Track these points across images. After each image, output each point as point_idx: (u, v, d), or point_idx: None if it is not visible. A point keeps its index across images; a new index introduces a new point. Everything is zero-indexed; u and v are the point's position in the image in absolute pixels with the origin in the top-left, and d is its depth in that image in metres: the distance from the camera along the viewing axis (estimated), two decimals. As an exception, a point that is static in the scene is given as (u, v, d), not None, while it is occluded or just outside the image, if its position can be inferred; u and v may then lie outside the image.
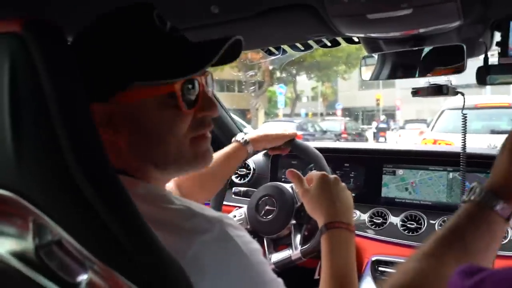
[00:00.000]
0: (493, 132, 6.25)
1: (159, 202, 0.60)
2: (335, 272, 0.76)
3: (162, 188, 0.67)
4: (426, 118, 13.60)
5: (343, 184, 0.93)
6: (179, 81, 0.62)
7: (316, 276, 1.38)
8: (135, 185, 0.61)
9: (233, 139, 1.24)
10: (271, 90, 21.07)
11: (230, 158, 1.21)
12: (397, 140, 12.93)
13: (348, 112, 23.57)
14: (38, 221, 0.52)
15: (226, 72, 17.42)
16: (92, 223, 0.51)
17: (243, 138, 1.23)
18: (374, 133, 13.82)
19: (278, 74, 20.69)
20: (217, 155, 1.16)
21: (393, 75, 1.29)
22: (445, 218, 1.42)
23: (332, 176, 0.93)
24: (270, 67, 18.89)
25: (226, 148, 1.23)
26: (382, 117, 21.14)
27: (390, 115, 22.27)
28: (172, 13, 0.80)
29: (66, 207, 0.52)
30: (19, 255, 0.55)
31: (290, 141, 1.28)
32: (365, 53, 1.25)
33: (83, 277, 0.52)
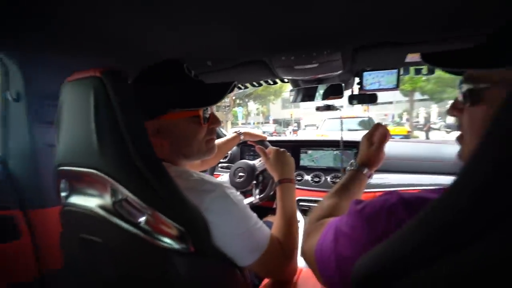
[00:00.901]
0: (350, 130, 6.60)
1: (184, 176, 0.58)
2: (285, 208, 0.75)
3: (185, 168, 0.63)
4: (316, 123, 14.04)
5: (289, 153, 0.91)
6: (201, 108, 0.63)
7: (274, 206, 1.37)
8: (170, 167, 0.60)
9: (233, 131, 1.21)
10: (234, 110, 21.04)
11: (230, 141, 1.18)
12: (301, 134, 13.20)
13: (276, 121, 23.85)
14: (113, 187, 0.50)
15: None
16: (146, 186, 0.49)
17: (239, 131, 1.22)
18: (290, 132, 14.12)
19: (238, 101, 20.78)
20: (223, 138, 1.17)
21: (305, 100, 1.26)
22: (333, 175, 1.45)
23: (282, 149, 0.91)
24: (234, 97, 19.03)
25: (228, 136, 1.20)
26: (294, 124, 21.60)
27: (297, 123, 22.77)
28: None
29: (130, 179, 0.49)
30: (103, 207, 0.53)
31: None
32: (291, 88, 1.26)
33: (142, 218, 0.50)
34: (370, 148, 0.72)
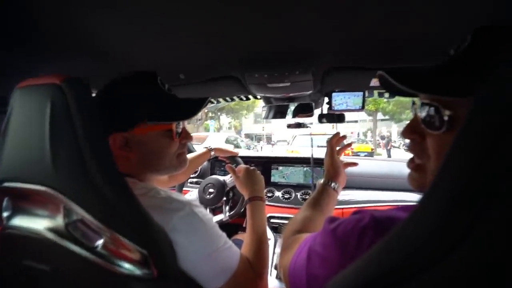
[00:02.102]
0: (319, 146, 6.83)
1: (151, 193, 0.55)
2: (255, 226, 0.74)
3: (153, 184, 0.60)
4: (286, 139, 14.34)
5: (259, 172, 0.91)
6: (174, 123, 0.61)
7: (244, 225, 1.35)
8: (136, 184, 0.56)
9: (203, 147, 1.18)
10: (206, 123, 20.86)
11: (200, 156, 1.14)
12: (273, 149, 13.30)
13: (248, 135, 24.02)
14: (67, 207, 0.45)
15: None
16: (105, 205, 0.45)
17: (210, 147, 1.18)
18: (261, 147, 14.30)
19: (210, 114, 20.65)
20: (193, 154, 1.13)
21: (277, 117, 1.29)
22: (303, 191, 1.47)
23: (252, 167, 0.91)
24: (205, 110, 18.93)
25: (198, 151, 1.16)
26: (265, 139, 21.90)
27: (269, 137, 23.14)
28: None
29: (87, 197, 0.45)
30: (53, 229, 0.48)
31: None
32: (263, 103, 1.28)
33: (99, 241, 0.46)
34: (327, 161, 0.76)
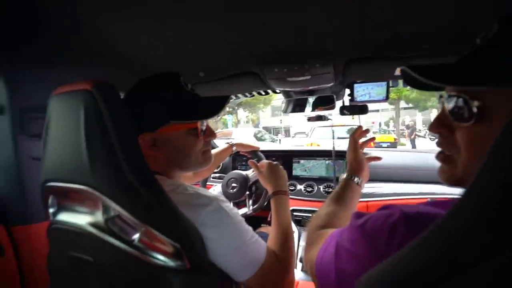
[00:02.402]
0: (339, 138, 6.68)
1: (179, 190, 0.57)
2: (280, 220, 0.75)
3: (180, 181, 0.63)
4: (305, 131, 14.14)
5: (281, 167, 0.91)
6: (199, 121, 0.63)
7: (269, 219, 1.37)
8: (165, 181, 0.59)
9: (225, 143, 1.20)
10: (224, 118, 21.06)
11: (223, 152, 1.16)
12: (292, 142, 13.24)
13: (266, 129, 23.98)
14: (105, 203, 0.49)
15: None
16: (139, 202, 0.47)
17: (231, 142, 1.20)
18: (279, 139, 14.20)
19: (228, 108, 20.82)
20: (215, 150, 1.15)
21: (296, 110, 1.29)
22: (325, 184, 1.46)
23: (275, 162, 0.92)
24: (223, 105, 19.14)
25: (221, 147, 1.18)
26: (283, 132, 21.70)
27: (287, 130, 22.94)
28: None
29: (122, 195, 0.48)
30: (94, 224, 0.51)
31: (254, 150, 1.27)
32: (280, 96, 1.28)
33: (135, 235, 0.49)
34: (350, 155, 0.76)
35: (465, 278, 0.20)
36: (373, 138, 0.85)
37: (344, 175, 0.73)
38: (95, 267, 0.52)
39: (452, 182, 0.41)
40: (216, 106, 0.65)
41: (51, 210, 0.57)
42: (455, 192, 1.04)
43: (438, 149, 0.42)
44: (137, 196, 0.47)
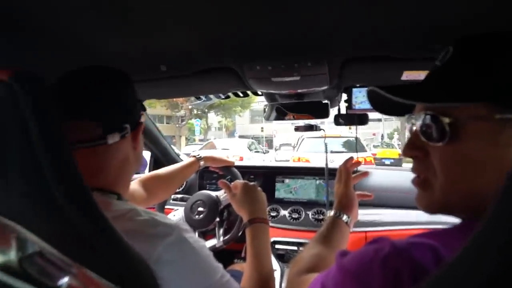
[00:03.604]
0: (332, 152, 6.85)
1: (129, 215, 0.55)
2: (257, 255, 0.75)
3: (132, 204, 0.61)
4: (291, 142, 14.47)
5: (259, 188, 0.92)
6: None
7: (243, 255, 1.35)
8: (111, 204, 0.57)
9: (191, 155, 1.19)
10: (190, 122, 20.89)
11: (187, 168, 1.16)
12: (276, 155, 13.62)
13: (243, 137, 24.09)
14: (21, 236, 0.45)
15: (158, 109, 17.54)
16: (70, 233, 0.45)
17: (198, 155, 1.19)
18: (256, 151, 14.37)
19: (195, 111, 20.73)
20: (177, 165, 1.15)
21: (280, 118, 1.30)
22: (316, 210, 1.48)
23: (252, 183, 0.92)
24: (190, 106, 19.13)
25: (184, 161, 1.18)
26: (266, 143, 21.95)
27: (269, 140, 23.17)
28: (133, 69, 0.75)
29: (48, 222, 0.45)
30: (2, 267, 0.46)
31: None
32: (262, 99, 1.29)
33: (63, 281, 0.45)
34: (339, 189, 0.82)
35: None
36: (366, 173, 0.92)
37: (331, 213, 0.77)
38: None
39: (432, 209, 0.46)
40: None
41: None
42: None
43: None
44: (69, 225, 0.44)
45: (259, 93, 1.21)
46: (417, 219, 1.31)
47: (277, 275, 1.26)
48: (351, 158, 0.88)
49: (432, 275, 0.26)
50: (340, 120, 1.25)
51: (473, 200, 0.40)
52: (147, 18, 0.64)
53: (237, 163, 1.40)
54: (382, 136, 18.44)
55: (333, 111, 1.28)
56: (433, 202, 0.45)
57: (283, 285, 1.23)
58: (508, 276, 0.20)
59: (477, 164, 0.39)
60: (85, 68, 0.62)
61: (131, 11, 0.62)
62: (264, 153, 13.29)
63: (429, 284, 0.26)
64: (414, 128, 0.46)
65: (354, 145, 8.01)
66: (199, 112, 21.63)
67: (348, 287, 0.39)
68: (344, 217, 0.75)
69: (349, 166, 0.86)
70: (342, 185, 0.82)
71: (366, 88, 1.06)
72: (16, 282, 0.45)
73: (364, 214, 1.38)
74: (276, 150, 16.46)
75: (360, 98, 1.11)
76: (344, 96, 1.19)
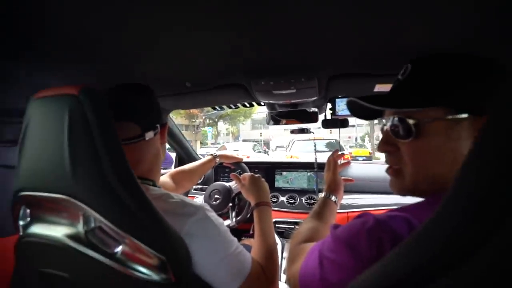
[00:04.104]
0: (318, 151, 6.80)
1: (163, 197, 0.56)
2: (264, 231, 0.75)
3: (164, 190, 0.61)
4: (283, 145, 14.53)
5: (263, 179, 0.93)
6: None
7: (251, 232, 1.36)
8: (149, 189, 0.58)
9: (207, 154, 1.21)
10: (203, 130, 20.84)
11: (205, 164, 1.17)
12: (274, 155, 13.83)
13: (245, 141, 24.00)
14: (86, 214, 0.46)
15: (179, 119, 17.78)
16: (123, 212, 0.46)
17: (214, 153, 1.21)
18: (258, 152, 14.42)
19: (208, 121, 20.72)
20: (198, 162, 1.16)
21: (278, 123, 1.28)
22: (308, 196, 1.48)
23: (257, 175, 0.93)
24: (203, 116, 19.14)
25: (203, 159, 1.19)
26: (264, 145, 21.83)
27: (267, 143, 23.10)
28: (164, 85, 0.76)
29: (106, 204, 0.45)
30: (73, 237, 0.48)
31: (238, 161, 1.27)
32: (260, 109, 1.30)
33: (118, 248, 0.46)
34: (328, 175, 0.83)
35: (446, 280, 0.21)
36: (349, 163, 0.94)
37: (322, 194, 0.79)
38: (71, 283, 0.48)
39: (403, 192, 0.47)
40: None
41: (21, 223, 0.53)
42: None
43: None
44: (122, 205, 0.45)
45: (262, 103, 1.22)
46: (388, 202, 1.32)
47: (278, 248, 1.26)
48: (337, 150, 0.90)
49: (405, 240, 0.26)
50: (327, 124, 1.26)
51: (435, 182, 0.42)
52: (177, 48, 0.66)
53: (245, 159, 1.40)
54: (356, 138, 18.41)
55: (320, 118, 1.29)
56: (404, 186, 0.46)
57: (284, 254, 1.23)
58: (462, 237, 0.21)
59: (436, 155, 0.41)
60: (127, 84, 0.64)
61: (167, 41, 0.63)
62: (265, 153, 14.12)
63: (404, 246, 0.26)
64: (385, 128, 0.48)
65: (335, 146, 8.02)
66: (210, 121, 21.62)
67: (340, 252, 0.40)
68: (333, 198, 0.77)
69: (336, 157, 0.87)
70: (331, 172, 0.84)
71: (346, 99, 1.09)
72: (84, 248, 0.46)
73: (346, 199, 1.38)
74: (273, 151, 16.58)
75: (342, 106, 1.12)
76: (329, 105, 1.20)
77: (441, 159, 0.41)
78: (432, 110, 0.41)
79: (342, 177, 0.86)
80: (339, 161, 0.88)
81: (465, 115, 0.39)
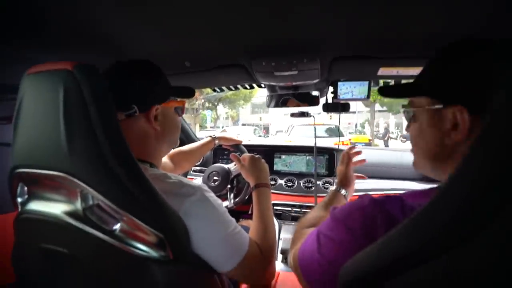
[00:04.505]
0: (317, 136, 6.81)
1: (162, 178, 0.55)
2: (262, 212, 0.76)
3: (162, 171, 0.61)
4: (283, 129, 14.66)
5: (263, 160, 0.92)
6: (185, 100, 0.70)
7: (250, 212, 1.38)
8: (147, 170, 0.58)
9: (207, 136, 1.20)
10: (203, 113, 20.72)
11: (205, 145, 1.16)
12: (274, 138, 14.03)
13: (245, 126, 23.94)
14: (84, 191, 0.46)
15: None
16: (121, 190, 0.45)
17: (214, 135, 1.20)
18: (259, 136, 14.51)
19: (207, 104, 20.54)
20: (197, 143, 1.16)
21: (278, 105, 1.26)
22: (306, 179, 1.49)
23: (257, 156, 0.93)
24: (202, 100, 18.94)
25: (203, 140, 1.18)
26: (263, 130, 21.82)
27: (266, 128, 23.06)
28: (162, 64, 0.74)
29: (104, 181, 0.45)
30: (71, 214, 0.48)
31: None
32: (260, 93, 1.28)
33: (116, 225, 0.47)
34: (341, 170, 0.85)
35: (448, 258, 0.21)
36: (364, 160, 0.90)
37: (333, 187, 0.80)
38: (70, 259, 0.49)
39: (417, 167, 0.52)
40: (189, 89, 0.71)
41: (19, 200, 0.53)
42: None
43: (407, 148, 0.54)
44: (119, 183, 0.45)
45: (262, 85, 1.20)
46: (385, 187, 1.33)
47: (276, 229, 1.29)
48: (354, 146, 0.91)
49: (403, 222, 0.27)
50: (327, 108, 1.24)
51: (429, 158, 0.47)
52: (176, 25, 0.64)
53: (244, 142, 1.39)
54: (356, 125, 18.38)
55: (321, 101, 1.27)
56: (416, 162, 0.51)
57: (282, 235, 1.26)
58: (462, 221, 0.21)
59: (425, 137, 0.46)
60: (113, 64, 0.62)
61: (166, 19, 0.61)
62: (265, 138, 14.56)
63: (402, 227, 0.27)
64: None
65: (334, 131, 8.01)
66: (210, 105, 21.39)
67: (336, 230, 0.42)
68: (343, 191, 0.78)
69: (351, 154, 0.87)
70: (344, 166, 0.84)
71: (349, 81, 1.07)
72: (82, 225, 0.46)
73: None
74: (273, 135, 16.79)
75: (344, 90, 1.09)
76: (331, 89, 1.17)
77: (429, 140, 0.45)
78: (423, 100, 0.46)
79: (355, 174, 0.86)
80: (354, 159, 0.87)
81: (439, 106, 0.42)
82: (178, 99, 0.68)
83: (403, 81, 0.95)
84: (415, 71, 0.86)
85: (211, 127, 22.35)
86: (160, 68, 0.65)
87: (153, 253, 0.47)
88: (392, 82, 1.04)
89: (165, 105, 0.64)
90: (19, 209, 0.53)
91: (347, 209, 0.43)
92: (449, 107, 0.40)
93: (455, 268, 0.21)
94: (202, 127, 21.18)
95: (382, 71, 0.87)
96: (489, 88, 0.35)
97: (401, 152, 1.54)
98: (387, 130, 12.68)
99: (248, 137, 10.51)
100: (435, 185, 0.42)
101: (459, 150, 0.40)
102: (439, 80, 0.43)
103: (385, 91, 0.54)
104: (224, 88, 1.26)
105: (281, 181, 1.51)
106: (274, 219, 1.33)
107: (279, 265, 1.08)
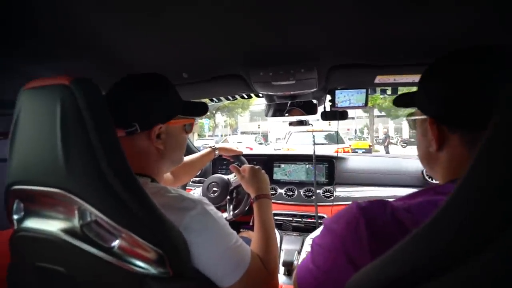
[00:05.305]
0: (316, 144, 6.83)
1: (161, 192, 0.55)
2: (263, 224, 0.75)
3: (162, 184, 0.61)
4: (280, 137, 14.78)
5: (263, 171, 0.92)
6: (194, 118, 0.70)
7: (251, 224, 1.37)
8: (147, 184, 0.58)
9: (203, 146, 1.22)
10: (201, 122, 20.78)
11: (205, 156, 1.16)
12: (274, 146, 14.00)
13: (244, 134, 23.95)
14: (81, 208, 0.45)
15: None
16: (119, 206, 0.45)
17: (214, 146, 1.20)
18: (260, 143, 14.59)
19: (205, 112, 20.58)
20: (197, 154, 1.15)
21: (277, 114, 1.31)
22: (306, 188, 1.49)
23: (257, 166, 0.93)
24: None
25: (203, 151, 1.18)
26: (263, 138, 21.84)
27: (265, 135, 23.09)
28: None
29: (102, 198, 0.45)
30: (68, 231, 0.47)
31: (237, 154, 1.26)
32: (258, 101, 1.29)
33: (115, 242, 0.46)
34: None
35: (448, 277, 0.21)
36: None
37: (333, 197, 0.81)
38: (67, 278, 0.48)
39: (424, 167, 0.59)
40: (202, 106, 0.69)
41: (15, 217, 0.52)
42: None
43: (408, 154, 0.56)
44: (118, 199, 0.44)
45: (260, 95, 1.21)
46: (385, 195, 1.33)
47: (277, 240, 1.28)
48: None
49: (405, 239, 0.26)
50: (326, 116, 1.25)
51: (424, 163, 0.52)
52: (174, 37, 0.64)
53: (245, 152, 1.39)
54: (356, 130, 18.43)
55: (319, 110, 1.28)
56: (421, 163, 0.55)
57: (283, 246, 1.24)
58: (468, 236, 0.21)
59: (419, 144, 0.51)
60: (129, 77, 0.62)
61: (163, 30, 0.62)
62: (266, 145, 15.25)
63: (404, 243, 0.26)
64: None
65: (334, 138, 8.00)
66: (208, 113, 21.48)
67: (325, 237, 0.44)
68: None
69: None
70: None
71: (346, 90, 1.08)
72: (79, 243, 0.46)
73: (345, 191, 1.40)
74: (273, 143, 17.03)
75: (342, 98, 1.10)
76: (329, 97, 1.19)
77: (422, 145, 0.50)
78: (416, 111, 0.51)
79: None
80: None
81: (424, 117, 0.47)
82: (188, 118, 0.67)
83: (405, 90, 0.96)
84: (411, 78, 0.87)
85: (209, 136, 22.37)
86: (168, 83, 0.64)
87: (152, 270, 0.46)
88: (389, 89, 1.05)
89: (172, 123, 0.63)
90: (15, 227, 0.52)
91: (335, 216, 0.45)
92: (429, 118, 0.46)
93: (463, 281, 0.20)
94: (201, 135, 21.19)
95: (379, 79, 0.88)
96: (462, 101, 0.40)
97: (400, 158, 1.54)
98: (387, 135, 12.71)
99: (250, 145, 10.88)
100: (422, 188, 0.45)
101: (439, 158, 0.46)
102: (420, 92, 0.49)
103: (397, 101, 0.60)
104: (222, 98, 1.27)
105: (281, 191, 1.50)
106: (275, 230, 1.32)
107: (281, 278, 1.06)
